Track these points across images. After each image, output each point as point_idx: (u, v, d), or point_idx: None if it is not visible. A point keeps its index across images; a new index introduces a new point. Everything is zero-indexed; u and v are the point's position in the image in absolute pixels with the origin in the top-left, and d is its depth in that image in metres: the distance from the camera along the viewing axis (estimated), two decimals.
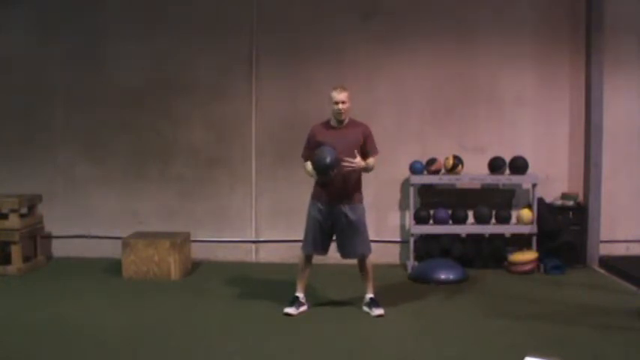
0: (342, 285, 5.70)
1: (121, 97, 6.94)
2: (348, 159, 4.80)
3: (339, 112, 4.91)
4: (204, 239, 6.89)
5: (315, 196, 5.04)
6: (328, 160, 4.71)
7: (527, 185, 6.75)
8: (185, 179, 6.98)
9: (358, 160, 4.84)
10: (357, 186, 5.01)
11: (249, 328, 4.69)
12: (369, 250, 5.07)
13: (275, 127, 6.89)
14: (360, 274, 5.14)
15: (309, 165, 4.98)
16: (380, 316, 4.92)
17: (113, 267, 6.33)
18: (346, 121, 4.99)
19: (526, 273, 6.29)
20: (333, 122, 5.00)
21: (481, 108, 6.84)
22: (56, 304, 5.26)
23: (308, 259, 5.11)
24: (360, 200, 5.04)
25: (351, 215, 4.94)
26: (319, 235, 5.01)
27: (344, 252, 5.06)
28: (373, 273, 5.13)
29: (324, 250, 5.08)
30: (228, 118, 6.94)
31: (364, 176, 5.10)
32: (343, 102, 4.89)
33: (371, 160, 5.00)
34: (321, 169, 4.77)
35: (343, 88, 4.93)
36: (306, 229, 5.06)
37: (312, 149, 4.97)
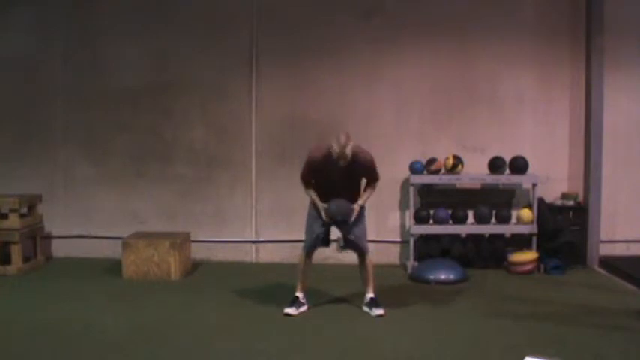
0: (342, 285, 5.69)
1: (121, 97, 6.93)
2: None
3: (344, 161, 4.65)
4: (204, 239, 6.89)
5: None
6: (339, 217, 4.80)
7: (527, 185, 6.75)
8: (185, 179, 6.98)
9: (357, 211, 4.87)
10: (358, 193, 5.00)
11: (249, 328, 4.69)
12: (368, 249, 5.09)
13: (275, 127, 6.89)
14: (360, 274, 5.14)
15: (312, 192, 4.94)
16: (380, 316, 4.92)
17: (113, 267, 6.33)
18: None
19: (526, 273, 6.29)
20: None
21: (481, 108, 6.83)
22: (56, 304, 5.26)
23: (308, 258, 5.11)
24: None
25: None
26: (321, 231, 4.98)
27: (347, 240, 4.99)
28: (373, 273, 5.13)
29: (325, 243, 5.06)
30: (228, 118, 6.94)
31: None
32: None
33: (365, 195, 4.95)
34: (335, 221, 4.87)
35: (347, 140, 4.58)
36: (307, 229, 5.05)
37: (313, 173, 4.90)
